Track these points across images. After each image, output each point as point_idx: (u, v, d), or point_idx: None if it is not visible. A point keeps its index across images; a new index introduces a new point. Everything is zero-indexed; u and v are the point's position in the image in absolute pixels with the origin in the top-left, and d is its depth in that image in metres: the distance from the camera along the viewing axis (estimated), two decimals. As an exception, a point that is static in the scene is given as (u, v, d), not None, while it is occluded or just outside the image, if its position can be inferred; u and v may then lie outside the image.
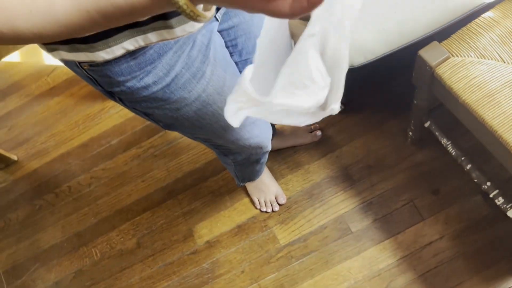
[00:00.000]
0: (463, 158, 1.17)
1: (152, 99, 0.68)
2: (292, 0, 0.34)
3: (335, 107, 0.49)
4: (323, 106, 0.50)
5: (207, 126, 0.80)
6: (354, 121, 1.53)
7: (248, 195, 1.49)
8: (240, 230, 1.46)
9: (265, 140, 1.04)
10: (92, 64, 0.60)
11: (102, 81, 0.64)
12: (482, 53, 0.93)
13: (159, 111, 0.72)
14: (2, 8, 0.38)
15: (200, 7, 0.45)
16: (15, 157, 1.80)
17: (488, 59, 0.93)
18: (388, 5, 0.93)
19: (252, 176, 1.34)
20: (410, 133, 1.36)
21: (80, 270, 1.54)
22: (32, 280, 1.56)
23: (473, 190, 1.31)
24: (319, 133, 1.51)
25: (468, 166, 1.18)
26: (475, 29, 0.96)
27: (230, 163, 1.16)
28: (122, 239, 1.55)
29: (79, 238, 1.59)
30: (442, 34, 0.99)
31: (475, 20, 0.97)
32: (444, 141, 1.19)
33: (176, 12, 0.55)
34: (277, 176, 1.49)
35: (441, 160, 1.37)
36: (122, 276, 1.49)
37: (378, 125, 1.50)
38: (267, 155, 1.20)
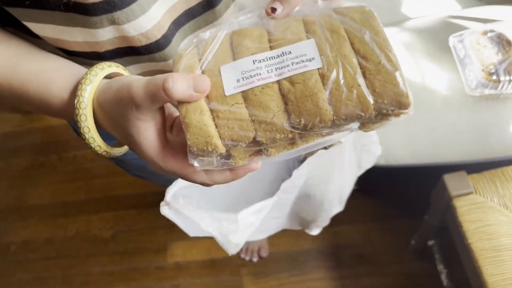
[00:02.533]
0: (453, 293, 1.10)
1: None
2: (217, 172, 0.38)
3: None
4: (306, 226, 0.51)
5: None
6: (365, 204, 1.47)
7: (234, 234, 1.45)
8: (213, 265, 1.42)
9: None
10: None
11: None
12: (506, 203, 0.87)
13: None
14: None
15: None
16: (41, 108, 1.84)
17: (510, 211, 0.86)
18: (428, 121, 0.88)
19: None
20: (413, 242, 1.29)
21: (51, 239, 1.54)
22: (4, 230, 1.58)
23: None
24: (325, 202, 1.46)
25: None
26: (510, 175, 0.90)
27: None
28: (101, 226, 1.54)
29: (63, 208, 1.59)
30: (474, 165, 0.93)
31: (513, 166, 0.91)
32: (440, 267, 1.12)
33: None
34: (268, 227, 1.45)
35: (435, 280, 1.29)
36: (86, 261, 1.48)
37: (386, 218, 1.43)
38: None
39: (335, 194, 0.85)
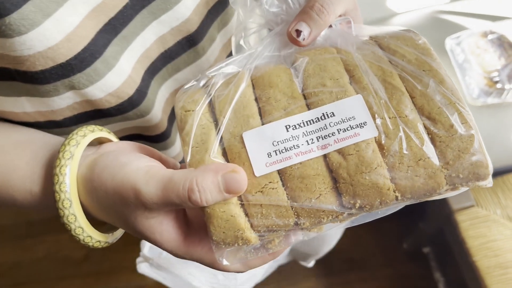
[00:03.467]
0: (451, 302, 1.06)
1: None
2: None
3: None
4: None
5: None
6: (352, 206, 1.41)
7: (217, 246, 1.37)
8: (196, 280, 1.34)
9: None
10: None
11: None
12: (510, 215, 0.82)
13: None
14: None
15: None
16: None
17: (515, 224, 0.81)
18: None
19: None
20: (405, 246, 1.24)
21: (19, 263, 1.42)
22: (-35, 257, 1.45)
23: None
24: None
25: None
26: (511, 185, 0.85)
27: None
28: (72, 245, 1.43)
29: (29, 227, 1.47)
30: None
31: (514, 174, 0.86)
32: (437, 275, 1.08)
33: (133, 138, 0.45)
34: (253, 236, 1.38)
35: (428, 282, 1.25)
36: (58, 285, 1.37)
37: (375, 220, 1.37)
38: None
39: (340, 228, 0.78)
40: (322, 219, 0.27)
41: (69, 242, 1.43)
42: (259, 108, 0.29)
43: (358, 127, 0.27)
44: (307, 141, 0.27)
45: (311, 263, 0.79)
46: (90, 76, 0.31)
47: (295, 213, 0.27)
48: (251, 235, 0.27)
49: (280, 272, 1.35)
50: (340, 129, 0.27)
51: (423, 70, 0.28)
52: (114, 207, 0.28)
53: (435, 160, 0.27)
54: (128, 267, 1.38)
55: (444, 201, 0.84)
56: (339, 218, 0.28)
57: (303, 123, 0.28)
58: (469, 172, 0.27)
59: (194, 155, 0.28)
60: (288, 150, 0.27)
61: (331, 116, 0.28)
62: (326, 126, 0.28)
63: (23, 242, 1.45)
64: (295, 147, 0.27)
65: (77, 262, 1.40)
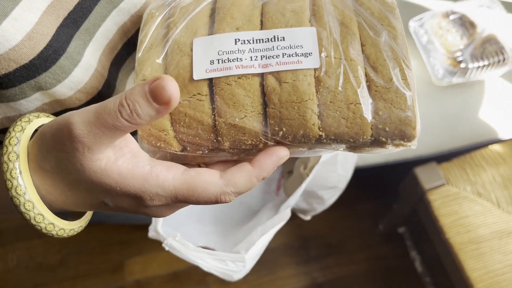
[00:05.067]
0: (427, 279, 1.08)
1: None
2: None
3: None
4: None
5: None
6: (327, 191, 1.42)
7: (195, 241, 1.36)
8: (176, 277, 1.33)
9: None
10: None
11: None
12: (480, 191, 0.84)
13: None
14: None
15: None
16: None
17: (484, 199, 0.83)
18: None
19: None
20: (381, 227, 1.27)
21: (-11, 273, 1.37)
22: None
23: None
24: (287, 194, 1.39)
25: (427, 280, 1.09)
26: (479, 161, 0.86)
27: None
28: (45, 251, 1.39)
29: (-2, 236, 1.42)
30: (443, 154, 0.89)
31: (481, 150, 0.88)
32: (413, 254, 1.10)
33: None
34: (230, 228, 1.37)
35: (404, 261, 1.27)
36: (34, 293, 1.33)
37: (350, 203, 1.39)
38: None
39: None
40: (242, 143, 0.28)
41: (41, 248, 1.39)
42: (214, 23, 0.30)
43: (303, 55, 0.28)
44: (251, 57, 0.28)
45: (308, 217, 0.84)
46: (56, 74, 0.30)
47: (217, 131, 0.28)
48: (174, 141, 0.28)
49: (259, 262, 1.35)
50: (285, 54, 0.28)
51: (382, 24, 0.29)
52: (59, 163, 0.26)
53: (365, 107, 0.27)
54: (106, 269, 1.35)
55: (415, 182, 0.86)
56: (259, 148, 0.28)
57: (253, 40, 0.29)
58: (395, 128, 0.27)
59: (144, 54, 0.29)
60: (231, 61, 0.28)
61: (281, 40, 0.28)
62: (273, 48, 0.28)
63: (-7, 252, 1.40)
64: (238, 60, 0.28)
65: (52, 268, 1.36)
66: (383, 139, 0.28)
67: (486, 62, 0.75)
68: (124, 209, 0.29)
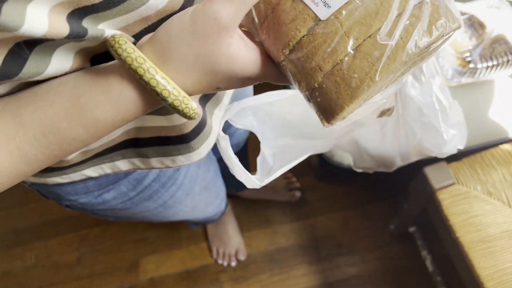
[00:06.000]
0: (438, 278, 1.09)
1: (108, 210, 0.57)
2: None
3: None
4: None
5: (160, 220, 0.70)
6: (338, 191, 1.43)
7: (208, 240, 1.38)
8: (189, 276, 1.35)
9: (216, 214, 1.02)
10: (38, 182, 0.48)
11: (49, 195, 0.53)
12: (490, 190, 0.84)
13: (113, 214, 0.61)
14: None
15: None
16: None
17: (495, 198, 0.84)
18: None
19: (207, 221, 1.23)
20: (392, 227, 1.27)
21: (9, 272, 1.41)
22: (-47, 270, 1.43)
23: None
24: (298, 194, 1.41)
25: (438, 279, 1.09)
26: (489, 160, 0.87)
27: None
28: (62, 250, 1.42)
29: (17, 235, 1.46)
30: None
31: (491, 150, 0.88)
32: (424, 253, 1.11)
33: (152, 141, 0.45)
34: (243, 228, 1.39)
35: (415, 260, 1.28)
36: (51, 291, 1.37)
37: (361, 203, 1.40)
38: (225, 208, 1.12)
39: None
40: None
41: (58, 247, 1.43)
42: None
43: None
44: None
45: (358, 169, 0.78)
46: None
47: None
48: None
49: (272, 261, 1.37)
50: None
51: None
52: (196, 55, 0.29)
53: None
54: (121, 267, 1.38)
55: (425, 181, 0.86)
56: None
57: None
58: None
59: None
60: None
61: None
62: None
63: (11, 251, 1.44)
64: None
65: (69, 266, 1.40)
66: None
67: (495, 62, 0.76)
68: (230, 88, 0.33)
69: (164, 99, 0.29)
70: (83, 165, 0.44)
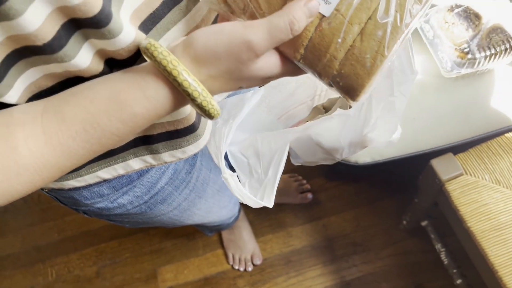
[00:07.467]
0: (454, 271, 1.09)
1: (124, 215, 0.59)
2: None
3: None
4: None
5: (175, 224, 0.72)
6: (349, 191, 1.44)
7: (223, 247, 1.40)
8: (207, 283, 1.37)
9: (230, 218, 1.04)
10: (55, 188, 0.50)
11: (66, 201, 0.55)
12: (498, 178, 0.85)
13: (129, 220, 0.63)
14: None
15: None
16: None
17: (504, 186, 0.84)
18: (407, 111, 0.84)
19: (223, 228, 1.25)
20: (404, 222, 1.27)
21: (31, 288, 1.44)
22: (-22, 289, 1.46)
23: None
24: (310, 195, 1.42)
25: (454, 271, 1.09)
26: (495, 149, 0.88)
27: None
28: (82, 264, 1.45)
29: (38, 252, 1.49)
30: (459, 145, 0.90)
31: (497, 139, 0.89)
32: (438, 246, 1.11)
33: (161, 137, 0.47)
34: (257, 233, 1.40)
35: (431, 255, 1.28)
36: (74, 305, 1.39)
37: (372, 201, 1.41)
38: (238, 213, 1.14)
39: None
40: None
41: (78, 262, 1.46)
42: None
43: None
44: None
45: (298, 163, 0.82)
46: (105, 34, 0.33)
47: None
48: None
49: (287, 263, 1.38)
50: None
51: None
52: (227, 68, 0.33)
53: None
54: (140, 278, 1.40)
55: (433, 174, 0.87)
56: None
57: None
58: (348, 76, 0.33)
59: None
60: None
61: None
62: None
63: (33, 268, 1.47)
64: None
65: (89, 280, 1.42)
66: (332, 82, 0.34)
67: (493, 51, 0.77)
68: (252, 87, 0.37)
69: (194, 99, 0.32)
70: (96, 166, 0.47)
